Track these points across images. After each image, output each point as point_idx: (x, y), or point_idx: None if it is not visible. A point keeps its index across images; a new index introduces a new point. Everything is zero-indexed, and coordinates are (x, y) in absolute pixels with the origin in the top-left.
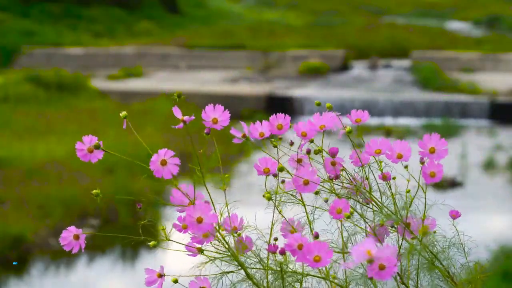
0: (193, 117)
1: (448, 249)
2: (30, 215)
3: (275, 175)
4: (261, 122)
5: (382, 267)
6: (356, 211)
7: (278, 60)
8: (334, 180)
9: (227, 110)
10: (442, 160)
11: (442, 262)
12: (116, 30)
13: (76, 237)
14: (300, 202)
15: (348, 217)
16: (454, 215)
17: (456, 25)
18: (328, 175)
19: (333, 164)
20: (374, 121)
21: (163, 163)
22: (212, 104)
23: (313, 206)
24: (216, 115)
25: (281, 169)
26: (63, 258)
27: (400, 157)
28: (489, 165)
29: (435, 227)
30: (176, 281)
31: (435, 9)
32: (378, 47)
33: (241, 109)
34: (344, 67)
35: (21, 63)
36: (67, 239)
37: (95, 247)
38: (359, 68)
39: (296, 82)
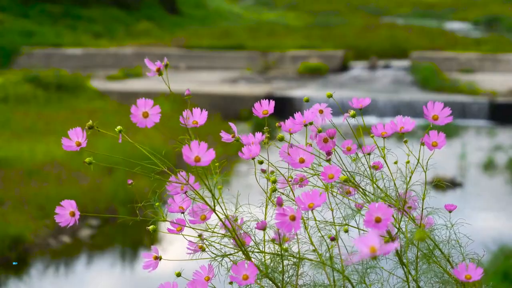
0: (165, 61)
1: (448, 241)
2: (30, 215)
3: (263, 170)
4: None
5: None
6: (355, 183)
7: (278, 61)
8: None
9: (204, 110)
10: (442, 159)
11: (442, 252)
12: (115, 30)
13: (72, 213)
14: (294, 202)
15: (346, 181)
16: (450, 209)
17: (455, 26)
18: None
19: (325, 141)
20: (373, 121)
21: (145, 115)
22: (187, 110)
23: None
24: (195, 118)
25: (282, 139)
26: (62, 258)
27: (402, 128)
28: (488, 165)
29: (432, 223)
30: (179, 275)
31: (434, 9)
32: (378, 47)
33: (240, 109)
34: (344, 67)
35: (21, 64)
36: (63, 216)
37: (95, 247)
38: (358, 69)
39: (296, 83)
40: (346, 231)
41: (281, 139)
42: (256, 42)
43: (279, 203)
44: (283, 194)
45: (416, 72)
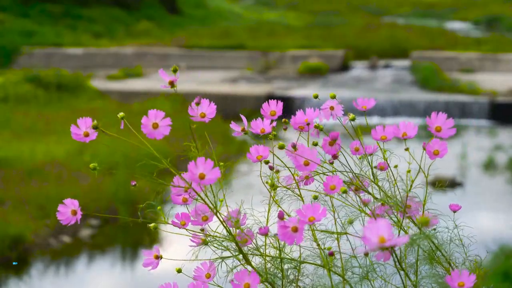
0: (178, 75)
1: (450, 243)
2: (30, 215)
3: (270, 167)
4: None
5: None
6: (361, 187)
7: (278, 60)
8: (332, 164)
9: (212, 103)
10: (442, 159)
11: (443, 254)
12: (116, 30)
13: (74, 212)
14: (299, 198)
15: (344, 192)
16: (454, 209)
17: (455, 25)
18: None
19: (331, 144)
20: (373, 121)
21: (155, 126)
22: (198, 98)
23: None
24: (203, 109)
25: (282, 147)
26: (63, 258)
27: (404, 135)
28: (489, 165)
29: (437, 222)
30: (180, 271)
31: (435, 9)
32: (378, 47)
33: (241, 109)
34: (344, 67)
35: (21, 63)
36: (65, 214)
37: (95, 247)
38: (359, 68)
39: (296, 82)
40: (351, 222)
41: (282, 147)
42: (257, 42)
43: (280, 217)
44: (288, 188)
45: (417, 71)
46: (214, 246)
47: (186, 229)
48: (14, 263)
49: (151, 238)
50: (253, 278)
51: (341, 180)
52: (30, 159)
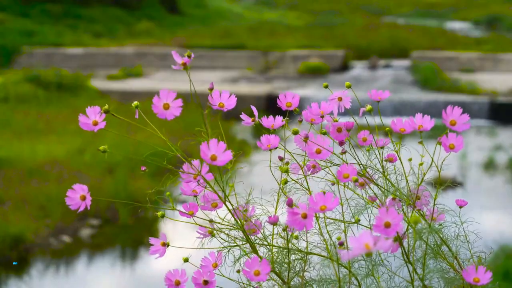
0: (193, 56)
1: (456, 238)
2: (31, 215)
3: (280, 157)
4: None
5: (387, 225)
6: (369, 177)
7: (278, 60)
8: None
9: (233, 95)
10: (442, 158)
11: (450, 249)
12: (116, 30)
13: (83, 197)
14: (307, 192)
15: (356, 181)
16: (461, 204)
17: (456, 25)
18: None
19: (339, 130)
20: (373, 120)
21: (166, 107)
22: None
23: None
24: (222, 100)
25: (296, 132)
26: (63, 258)
27: (421, 127)
28: (489, 165)
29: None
30: (186, 260)
31: (435, 9)
32: (378, 47)
33: (241, 109)
34: (344, 67)
35: (21, 63)
36: (74, 199)
37: (95, 247)
38: (359, 68)
39: (296, 82)
40: (358, 221)
41: (296, 133)
42: (257, 42)
43: (289, 204)
44: (296, 182)
45: (417, 71)
46: (221, 238)
47: (194, 217)
48: (14, 263)
49: (152, 236)
50: (264, 266)
51: (355, 170)
52: (31, 159)
